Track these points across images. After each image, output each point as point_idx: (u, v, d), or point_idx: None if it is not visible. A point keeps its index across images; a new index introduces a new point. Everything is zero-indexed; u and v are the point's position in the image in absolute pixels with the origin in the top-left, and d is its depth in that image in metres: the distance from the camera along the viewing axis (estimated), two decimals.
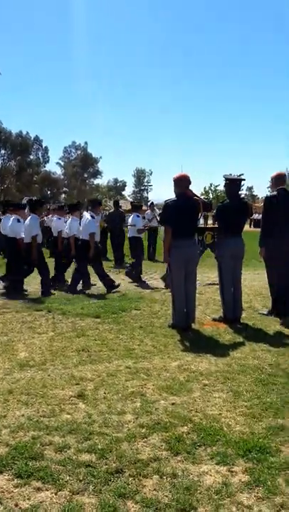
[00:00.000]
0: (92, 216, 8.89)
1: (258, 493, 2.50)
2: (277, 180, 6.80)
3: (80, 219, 9.70)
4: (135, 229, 10.37)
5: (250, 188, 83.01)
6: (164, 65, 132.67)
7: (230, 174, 7.21)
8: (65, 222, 10.04)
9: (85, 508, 2.38)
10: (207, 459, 2.81)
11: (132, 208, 11.88)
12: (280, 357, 4.66)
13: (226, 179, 6.51)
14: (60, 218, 10.37)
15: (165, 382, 3.98)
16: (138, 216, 10.77)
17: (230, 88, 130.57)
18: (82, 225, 9.04)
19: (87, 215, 9.04)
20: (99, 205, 10.02)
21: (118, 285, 8.79)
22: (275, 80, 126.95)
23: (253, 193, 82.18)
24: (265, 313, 6.63)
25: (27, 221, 8.65)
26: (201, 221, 16.07)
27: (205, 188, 73.57)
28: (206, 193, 68.82)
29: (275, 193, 6.70)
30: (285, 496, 2.47)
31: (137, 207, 11.40)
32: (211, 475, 2.65)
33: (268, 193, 7.02)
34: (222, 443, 2.97)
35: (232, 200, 6.39)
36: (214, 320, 6.30)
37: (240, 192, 7.01)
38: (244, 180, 7.37)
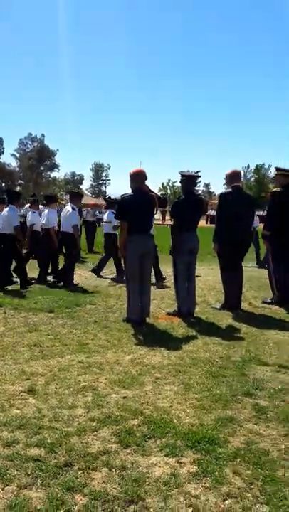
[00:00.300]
0: (73, 208, 8.84)
1: (205, 483, 2.53)
2: (232, 177, 6.91)
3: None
4: (111, 225, 10.33)
5: (207, 185, 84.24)
6: (123, 55, 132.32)
7: (188, 171, 7.28)
8: (40, 215, 10.04)
9: (32, 502, 2.34)
10: (156, 451, 2.82)
11: (106, 204, 11.76)
12: (231, 350, 4.75)
13: (182, 175, 6.56)
14: (35, 212, 10.27)
15: (117, 376, 3.97)
16: (113, 213, 10.70)
17: (190, 84, 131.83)
18: (63, 217, 9.01)
19: (68, 207, 9.02)
20: (81, 197, 10.10)
21: (76, 285, 8.69)
22: (229, 77, 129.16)
23: (210, 190, 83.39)
24: (217, 307, 6.75)
25: (4, 212, 8.52)
26: (157, 216, 16.12)
27: (163, 184, 74.11)
28: (164, 188, 69.28)
29: (229, 190, 6.81)
30: (232, 485, 2.51)
31: (112, 203, 11.29)
32: (159, 466, 2.67)
33: (223, 190, 7.13)
34: (172, 435, 2.99)
35: (187, 196, 6.44)
36: (168, 314, 6.35)
37: (196, 188, 7.13)
38: (199, 176, 7.47)
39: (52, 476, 2.55)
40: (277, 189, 7.21)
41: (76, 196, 9.52)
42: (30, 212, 10.49)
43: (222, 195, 6.94)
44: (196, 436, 2.95)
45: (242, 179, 7.47)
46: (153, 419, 3.19)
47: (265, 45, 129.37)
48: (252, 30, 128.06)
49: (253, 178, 76.28)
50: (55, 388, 3.72)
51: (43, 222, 9.59)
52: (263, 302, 7.24)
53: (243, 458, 2.75)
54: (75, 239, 8.68)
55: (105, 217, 10.87)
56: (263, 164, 75.59)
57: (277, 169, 7.39)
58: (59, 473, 2.58)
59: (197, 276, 7.01)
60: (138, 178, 5.93)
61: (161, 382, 3.87)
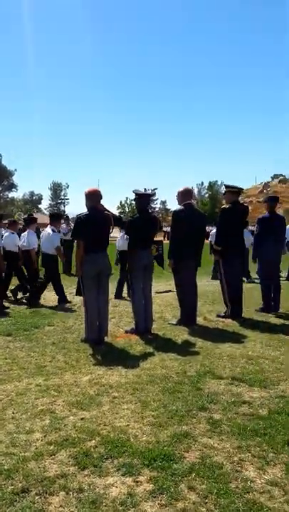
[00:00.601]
0: (53, 230, 8.97)
1: (161, 500, 2.58)
2: (184, 195, 7.08)
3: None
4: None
5: (163, 202, 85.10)
6: (89, 73, 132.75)
7: (145, 189, 7.44)
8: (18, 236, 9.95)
9: None
10: (113, 471, 2.85)
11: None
12: (187, 365, 4.84)
13: (136, 194, 6.67)
14: (13, 233, 10.13)
15: (75, 398, 3.97)
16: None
17: (143, 104, 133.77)
18: (44, 239, 9.09)
19: (48, 229, 9.10)
20: (60, 218, 10.34)
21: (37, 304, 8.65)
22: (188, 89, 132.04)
23: (167, 207, 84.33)
24: (174, 323, 6.84)
25: None
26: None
27: (121, 202, 74.37)
28: (122, 206, 69.50)
29: (182, 207, 6.98)
30: (187, 500, 2.57)
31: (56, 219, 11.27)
32: (116, 487, 2.69)
33: (176, 208, 7.30)
34: (128, 454, 3.03)
35: (141, 214, 6.55)
36: (126, 332, 6.39)
37: (153, 206, 7.33)
38: (152, 195, 7.66)
39: (9, 504, 2.53)
40: (226, 206, 7.45)
41: (57, 217, 9.58)
42: (7, 233, 10.26)
43: (175, 213, 7.10)
44: (152, 454, 3.00)
45: (196, 195, 7.75)
46: (110, 439, 3.22)
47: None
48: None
49: (207, 195, 77.93)
50: (12, 413, 3.68)
51: (24, 244, 9.49)
52: (218, 316, 7.40)
53: (198, 473, 2.81)
54: (56, 260, 8.89)
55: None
56: (216, 181, 77.46)
57: (226, 186, 7.65)
58: (16, 500, 2.56)
59: (160, 292, 7.10)
60: (93, 197, 5.97)
61: (119, 401, 3.90)
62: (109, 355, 5.25)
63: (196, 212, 7.09)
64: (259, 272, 8.23)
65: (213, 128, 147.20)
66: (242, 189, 8.01)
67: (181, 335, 6.20)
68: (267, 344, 5.73)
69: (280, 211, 75.41)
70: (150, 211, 7.34)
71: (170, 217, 7.64)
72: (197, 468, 2.86)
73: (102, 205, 6.27)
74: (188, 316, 6.83)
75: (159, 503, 2.55)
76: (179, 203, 7.09)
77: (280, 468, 2.84)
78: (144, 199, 6.71)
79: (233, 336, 6.15)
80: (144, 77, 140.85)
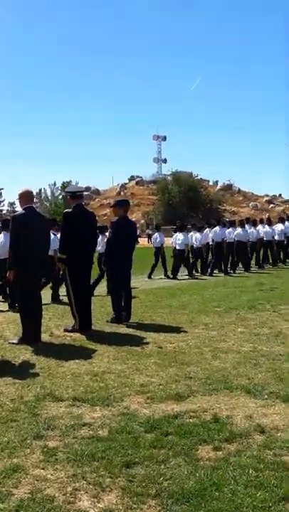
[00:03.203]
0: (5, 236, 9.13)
1: None
2: (25, 198, 6.95)
3: None
4: None
5: (12, 204, 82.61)
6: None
7: None
8: None
9: None
10: None
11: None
12: (25, 388, 4.73)
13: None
14: None
15: None
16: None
17: (74, 95, 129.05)
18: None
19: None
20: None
21: None
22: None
23: (15, 209, 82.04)
24: (15, 342, 6.66)
25: None
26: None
27: None
28: None
29: (22, 211, 6.84)
30: None
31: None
32: None
33: (17, 212, 7.16)
34: None
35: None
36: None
37: (1, 208, 7.27)
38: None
39: None
40: (69, 210, 7.52)
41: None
42: None
43: (15, 218, 6.95)
44: None
45: (49, 197, 7.92)
46: None
47: None
48: None
49: (60, 196, 77.62)
50: None
51: None
52: (65, 330, 7.39)
53: (26, 510, 2.75)
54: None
55: None
56: (70, 181, 77.41)
57: (66, 191, 7.73)
58: None
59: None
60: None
61: None
62: None
63: (36, 215, 7.03)
64: (110, 281, 8.44)
65: (66, 126, 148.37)
66: (82, 191, 8.15)
67: (23, 355, 6.06)
68: (114, 358, 5.87)
69: (137, 214, 78.00)
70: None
71: None
72: (26, 504, 2.79)
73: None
74: (29, 333, 6.68)
75: None
76: (21, 207, 6.96)
77: (116, 494, 2.91)
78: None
79: (79, 352, 6.20)
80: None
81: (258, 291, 11.78)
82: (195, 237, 16.66)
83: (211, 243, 16.53)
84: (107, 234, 10.19)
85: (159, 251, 15.76)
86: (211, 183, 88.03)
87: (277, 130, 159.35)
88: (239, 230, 16.86)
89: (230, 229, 17.01)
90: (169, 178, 79.44)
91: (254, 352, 6.07)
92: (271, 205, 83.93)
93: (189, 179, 74.94)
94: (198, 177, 78.99)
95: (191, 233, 16.84)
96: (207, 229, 17.25)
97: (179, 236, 15.67)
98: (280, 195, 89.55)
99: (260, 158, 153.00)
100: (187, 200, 70.78)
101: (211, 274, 15.79)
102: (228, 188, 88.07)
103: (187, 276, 15.69)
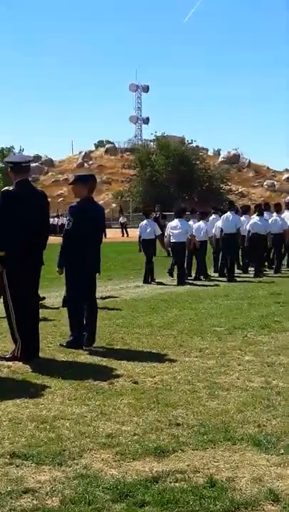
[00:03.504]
0: None
1: None
2: None
3: None
4: None
5: None
6: None
7: None
8: None
9: None
10: None
11: None
12: None
13: None
14: None
15: None
16: None
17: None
18: None
19: None
20: None
21: None
22: None
23: None
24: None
25: None
26: None
27: None
28: None
29: None
30: None
31: None
32: None
33: None
34: None
35: None
36: None
37: None
38: None
39: None
40: (9, 188, 7.48)
41: None
42: None
43: None
44: None
45: None
46: None
47: None
48: None
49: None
50: None
51: None
52: (1, 359, 7.38)
53: None
54: None
55: None
56: (12, 148, 76.55)
57: (5, 161, 7.71)
58: None
59: None
60: None
61: None
62: None
63: None
64: (69, 291, 8.38)
65: None
66: (28, 162, 8.10)
67: None
68: (71, 397, 5.87)
69: (107, 195, 78.23)
70: None
71: None
72: None
73: None
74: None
75: None
76: None
77: None
78: None
79: (21, 389, 6.18)
80: None
81: (273, 303, 11.89)
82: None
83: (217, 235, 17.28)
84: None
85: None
86: (210, 153, 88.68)
87: None
88: (256, 218, 17.56)
89: (244, 217, 17.46)
90: (152, 145, 79.58)
91: (266, 389, 6.13)
92: None
93: (181, 147, 75.25)
94: (194, 144, 79.33)
95: (190, 222, 17.41)
96: (213, 216, 18.11)
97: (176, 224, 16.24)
98: None
99: (277, 118, 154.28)
100: (178, 177, 71.01)
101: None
102: (235, 160, 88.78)
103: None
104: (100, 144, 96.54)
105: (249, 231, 17.15)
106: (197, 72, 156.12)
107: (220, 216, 17.52)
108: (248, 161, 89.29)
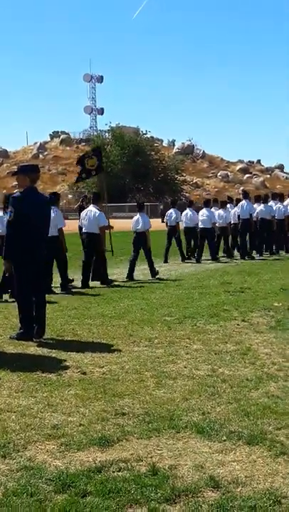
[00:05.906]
0: None
1: None
2: None
3: None
4: None
5: None
6: None
7: None
8: None
9: None
10: None
11: None
12: None
13: None
14: None
15: None
16: None
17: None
18: None
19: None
20: None
21: None
22: None
23: None
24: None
25: None
26: None
27: None
28: None
29: None
30: None
31: None
32: None
33: None
34: None
35: None
36: None
37: None
38: None
39: None
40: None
41: None
42: None
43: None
44: None
45: None
46: None
47: None
48: None
49: None
50: None
51: None
52: None
53: None
54: None
55: None
56: None
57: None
58: None
59: None
60: None
61: None
62: None
63: None
64: (17, 283, 8.32)
65: None
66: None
67: None
68: (18, 389, 5.83)
69: (63, 186, 77.82)
70: None
71: None
72: None
73: None
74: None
75: None
76: None
77: None
78: None
79: None
80: None
81: (223, 292, 11.99)
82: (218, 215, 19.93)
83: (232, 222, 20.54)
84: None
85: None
86: (165, 144, 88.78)
87: (265, 67, 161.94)
88: (261, 206, 20.61)
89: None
90: (106, 136, 79.37)
91: (212, 377, 6.19)
92: (247, 175, 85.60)
93: (135, 138, 75.20)
94: (148, 135, 79.38)
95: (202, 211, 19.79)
96: (228, 205, 21.19)
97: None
98: (258, 161, 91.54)
99: (232, 109, 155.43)
100: (133, 168, 70.98)
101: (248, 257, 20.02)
102: (189, 150, 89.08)
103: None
104: (55, 135, 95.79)
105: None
106: (151, 63, 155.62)
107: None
108: (202, 151, 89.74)
